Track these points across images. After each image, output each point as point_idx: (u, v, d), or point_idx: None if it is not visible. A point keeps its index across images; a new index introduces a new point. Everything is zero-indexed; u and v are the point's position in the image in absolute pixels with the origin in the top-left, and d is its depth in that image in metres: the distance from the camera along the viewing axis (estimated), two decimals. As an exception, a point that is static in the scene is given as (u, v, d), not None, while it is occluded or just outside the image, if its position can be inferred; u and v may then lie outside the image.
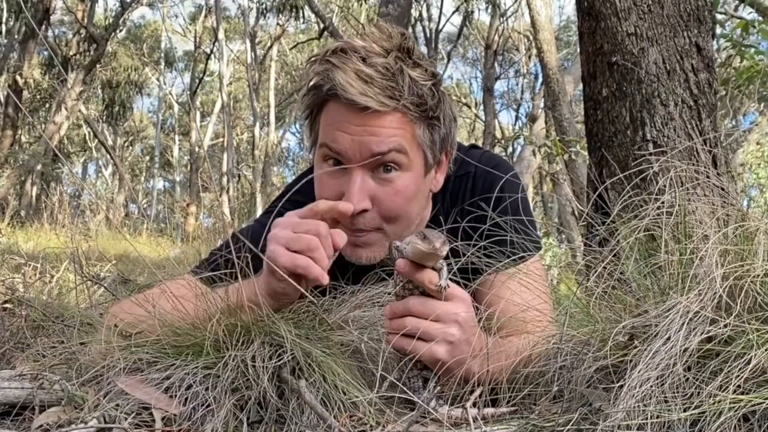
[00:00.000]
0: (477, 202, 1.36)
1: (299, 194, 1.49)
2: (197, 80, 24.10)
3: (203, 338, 1.01)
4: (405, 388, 1.03)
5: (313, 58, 1.32)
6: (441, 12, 20.71)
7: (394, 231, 1.31)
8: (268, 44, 23.89)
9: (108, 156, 24.78)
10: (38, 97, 19.62)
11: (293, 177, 1.88)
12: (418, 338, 1.04)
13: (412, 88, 1.25)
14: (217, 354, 0.99)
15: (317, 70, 1.28)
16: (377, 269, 1.30)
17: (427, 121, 1.30)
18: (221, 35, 19.66)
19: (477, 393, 1.02)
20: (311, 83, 1.30)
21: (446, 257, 1.06)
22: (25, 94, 16.87)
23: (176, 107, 28.26)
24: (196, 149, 23.07)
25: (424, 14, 20.46)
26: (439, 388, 1.06)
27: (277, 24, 22.39)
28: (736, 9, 7.99)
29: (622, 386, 0.82)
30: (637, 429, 0.79)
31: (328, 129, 1.29)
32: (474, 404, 1.01)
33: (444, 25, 28.25)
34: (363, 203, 1.27)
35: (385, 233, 1.32)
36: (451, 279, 1.08)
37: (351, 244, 1.33)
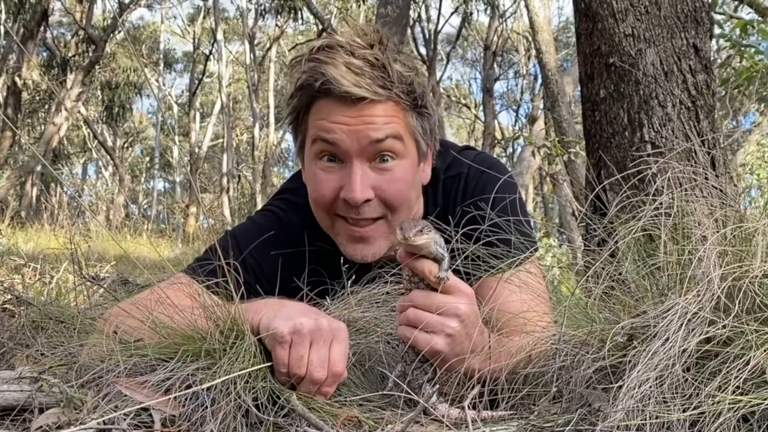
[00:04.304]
0: (471, 203, 1.36)
1: (292, 193, 1.49)
2: (196, 81, 24.06)
3: (201, 342, 1.01)
4: (407, 386, 1.03)
5: (297, 59, 1.32)
6: (440, 13, 20.70)
7: (398, 220, 1.30)
8: (267, 45, 23.87)
9: (108, 157, 24.72)
10: (37, 98, 19.59)
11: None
12: (419, 330, 1.03)
13: (401, 78, 1.27)
14: (212, 360, 0.99)
15: (304, 69, 1.28)
16: (375, 268, 1.30)
17: (417, 109, 1.31)
18: (220, 36, 19.66)
19: (475, 392, 1.02)
20: (299, 83, 1.29)
21: (452, 251, 1.07)
22: (24, 95, 16.86)
23: (176, 108, 28.22)
24: (196, 150, 23.04)
25: (423, 15, 20.46)
26: (438, 386, 1.06)
27: (276, 25, 22.39)
28: (735, 9, 7.99)
29: (621, 387, 0.83)
30: (636, 429, 0.79)
31: (322, 124, 1.28)
32: (473, 405, 1.01)
33: (443, 27, 28.31)
34: (366, 193, 1.28)
35: (389, 223, 1.32)
36: (456, 273, 1.08)
37: (354, 241, 1.33)
